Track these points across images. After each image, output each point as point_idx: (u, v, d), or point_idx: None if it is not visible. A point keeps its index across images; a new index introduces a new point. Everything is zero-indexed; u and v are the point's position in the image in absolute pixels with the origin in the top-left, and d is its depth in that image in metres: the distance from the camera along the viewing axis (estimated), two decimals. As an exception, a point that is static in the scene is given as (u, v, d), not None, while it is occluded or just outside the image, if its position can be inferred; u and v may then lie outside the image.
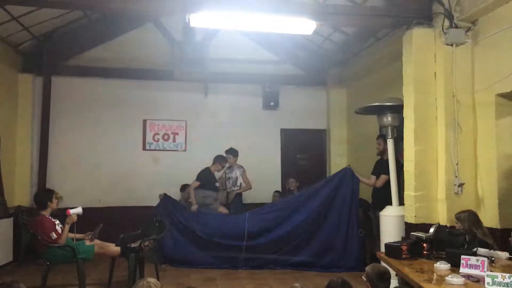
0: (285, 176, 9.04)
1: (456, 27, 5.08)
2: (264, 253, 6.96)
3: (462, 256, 3.33)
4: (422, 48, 5.36)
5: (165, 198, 7.45)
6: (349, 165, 7.29)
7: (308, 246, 6.96)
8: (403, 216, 5.55)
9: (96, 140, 8.58)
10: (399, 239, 5.17)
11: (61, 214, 5.65)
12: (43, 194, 6.03)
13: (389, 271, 3.57)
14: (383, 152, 6.63)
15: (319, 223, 6.95)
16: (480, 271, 3.16)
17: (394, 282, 3.98)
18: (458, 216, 4.36)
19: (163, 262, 7.12)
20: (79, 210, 5.62)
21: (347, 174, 6.95)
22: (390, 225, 5.73)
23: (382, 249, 5.09)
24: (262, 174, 8.52)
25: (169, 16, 8.23)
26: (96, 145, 8.57)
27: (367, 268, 3.55)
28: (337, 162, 8.97)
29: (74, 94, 8.56)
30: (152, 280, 3.30)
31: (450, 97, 5.15)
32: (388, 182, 6.26)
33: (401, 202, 5.83)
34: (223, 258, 7.02)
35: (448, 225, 4.74)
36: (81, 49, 8.53)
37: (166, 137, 8.90)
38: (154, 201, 8.23)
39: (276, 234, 7.00)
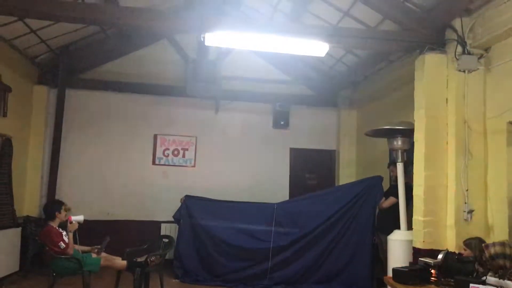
0: (293, 194, 9.02)
1: (469, 53, 5.10)
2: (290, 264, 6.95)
3: (471, 284, 3.31)
4: (434, 73, 5.37)
5: (187, 199, 7.37)
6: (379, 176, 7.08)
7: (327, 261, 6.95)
8: (411, 241, 5.51)
9: (107, 153, 8.65)
10: (407, 264, 5.14)
11: (66, 225, 5.68)
12: (52, 205, 6.08)
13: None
14: (395, 178, 6.62)
15: (333, 235, 6.94)
16: (489, 300, 3.13)
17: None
18: (468, 243, 4.32)
19: (175, 277, 7.12)
20: (80, 218, 5.66)
21: (376, 184, 6.87)
22: (397, 249, 5.68)
23: (389, 273, 5.07)
24: (270, 192, 8.51)
25: (184, 34, 8.35)
26: (107, 158, 8.63)
27: None
28: (345, 182, 8.93)
29: (87, 107, 8.67)
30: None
31: (461, 123, 5.14)
32: (395, 206, 6.24)
33: (409, 227, 5.79)
34: (248, 271, 6.98)
35: (457, 251, 4.70)
36: (96, 63, 8.68)
37: (176, 152, 8.95)
38: (162, 216, 8.31)
39: (301, 234, 7.00)
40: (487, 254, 3.98)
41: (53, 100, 8.38)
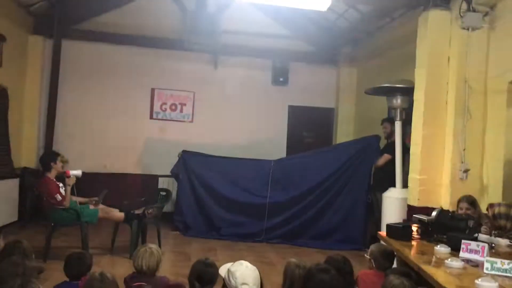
0: (290, 152, 9.04)
1: (474, 11, 4.98)
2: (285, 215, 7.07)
3: (463, 241, 3.35)
4: (437, 31, 5.28)
5: (184, 154, 7.44)
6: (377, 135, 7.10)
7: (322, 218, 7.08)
8: (405, 199, 5.59)
9: (104, 106, 8.58)
10: (401, 221, 5.23)
11: (64, 177, 5.71)
12: (48, 156, 6.12)
13: (393, 252, 3.62)
14: (391, 135, 6.64)
15: (331, 194, 7.03)
16: (480, 256, 3.18)
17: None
18: (473, 201, 4.36)
19: (174, 229, 7.24)
20: (78, 172, 5.68)
21: (373, 144, 6.90)
22: (392, 206, 5.77)
23: (383, 229, 5.15)
24: (267, 149, 8.53)
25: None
26: (104, 111, 8.58)
27: (372, 247, 3.60)
28: (343, 141, 8.95)
29: (84, 59, 8.53)
30: (154, 246, 3.37)
31: (462, 82, 5.10)
32: (390, 163, 6.30)
33: (404, 185, 5.85)
34: (245, 226, 7.10)
35: (451, 209, 4.76)
36: (93, 14, 8.45)
37: (173, 107, 8.89)
38: (159, 170, 8.36)
39: (297, 191, 7.08)
40: (490, 213, 4.05)
41: (49, 51, 8.24)
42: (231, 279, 2.59)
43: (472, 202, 4.37)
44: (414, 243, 3.85)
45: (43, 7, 7.93)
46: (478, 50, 5.08)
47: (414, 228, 4.04)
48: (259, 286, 2.62)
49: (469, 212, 4.27)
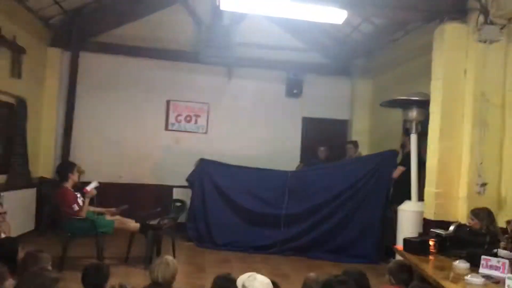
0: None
1: (491, 23, 4.96)
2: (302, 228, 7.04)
3: (483, 257, 3.32)
4: (453, 44, 5.27)
5: (201, 162, 7.49)
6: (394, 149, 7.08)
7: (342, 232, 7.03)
8: (421, 212, 5.54)
9: (120, 117, 8.67)
10: (416, 234, 5.18)
11: (82, 188, 5.78)
12: (65, 166, 6.20)
13: (409, 265, 3.59)
14: (404, 146, 6.63)
15: (347, 208, 6.99)
16: (501, 272, 3.15)
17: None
18: (477, 213, 4.30)
19: (188, 240, 7.26)
20: (95, 184, 5.75)
21: (390, 159, 6.87)
22: (408, 219, 5.73)
23: (399, 242, 5.11)
24: (280, 161, 8.44)
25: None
26: (120, 122, 8.67)
27: (390, 264, 3.59)
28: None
29: (101, 71, 8.64)
30: (170, 258, 3.40)
31: (479, 95, 5.06)
32: (406, 176, 6.25)
33: (420, 198, 5.80)
34: (259, 237, 7.08)
35: (467, 223, 4.71)
36: (110, 26, 8.57)
37: (188, 118, 8.95)
38: (174, 180, 8.39)
39: (313, 203, 7.07)
40: (509, 228, 3.99)
41: (67, 63, 8.37)
42: None
43: (475, 214, 4.30)
44: (431, 257, 3.82)
45: (61, 20, 8.07)
46: (495, 63, 5.05)
47: (431, 242, 4.00)
48: None
49: (471, 223, 4.22)
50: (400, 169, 6.54)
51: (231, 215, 7.23)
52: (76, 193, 5.80)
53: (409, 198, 5.95)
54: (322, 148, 8.56)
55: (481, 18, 4.99)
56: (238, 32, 8.53)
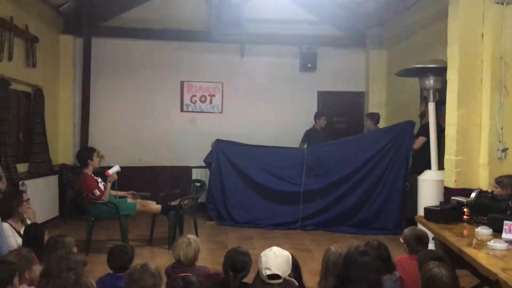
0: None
1: (508, -16, 4.81)
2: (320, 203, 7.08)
3: (505, 222, 3.28)
4: (469, 7, 5.12)
5: (217, 143, 7.52)
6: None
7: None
8: (442, 181, 5.48)
9: (136, 101, 8.72)
10: (438, 203, 5.13)
11: (103, 172, 5.86)
12: (84, 152, 6.28)
13: (427, 235, 3.57)
14: (423, 115, 6.52)
15: (367, 182, 6.99)
16: (524, 237, 3.12)
17: (430, 246, 3.96)
18: (501, 181, 4.25)
19: (209, 219, 7.35)
20: (117, 168, 5.82)
21: (408, 129, 6.82)
22: (428, 189, 5.67)
23: (420, 212, 5.09)
24: (297, 136, 8.47)
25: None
26: (136, 106, 8.72)
27: (405, 231, 3.57)
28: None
29: (114, 55, 8.67)
30: (192, 236, 3.44)
31: (497, 59, 4.93)
32: (426, 146, 6.17)
33: (440, 167, 5.74)
34: (279, 214, 7.13)
35: (490, 190, 4.65)
36: (120, 10, 8.56)
37: (203, 99, 8.96)
38: (192, 161, 8.47)
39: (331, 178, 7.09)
40: None
41: (80, 49, 8.42)
42: (259, 263, 2.69)
43: (499, 182, 4.25)
44: (453, 225, 3.79)
45: (71, 6, 8.08)
46: (513, 25, 4.90)
47: (465, 209, 3.94)
48: (286, 272, 2.64)
49: (495, 191, 4.17)
50: (421, 139, 6.44)
51: (250, 194, 7.28)
52: (97, 178, 5.89)
53: (429, 167, 5.89)
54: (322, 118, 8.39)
55: (497, -21, 4.83)
56: (248, 8, 8.41)
